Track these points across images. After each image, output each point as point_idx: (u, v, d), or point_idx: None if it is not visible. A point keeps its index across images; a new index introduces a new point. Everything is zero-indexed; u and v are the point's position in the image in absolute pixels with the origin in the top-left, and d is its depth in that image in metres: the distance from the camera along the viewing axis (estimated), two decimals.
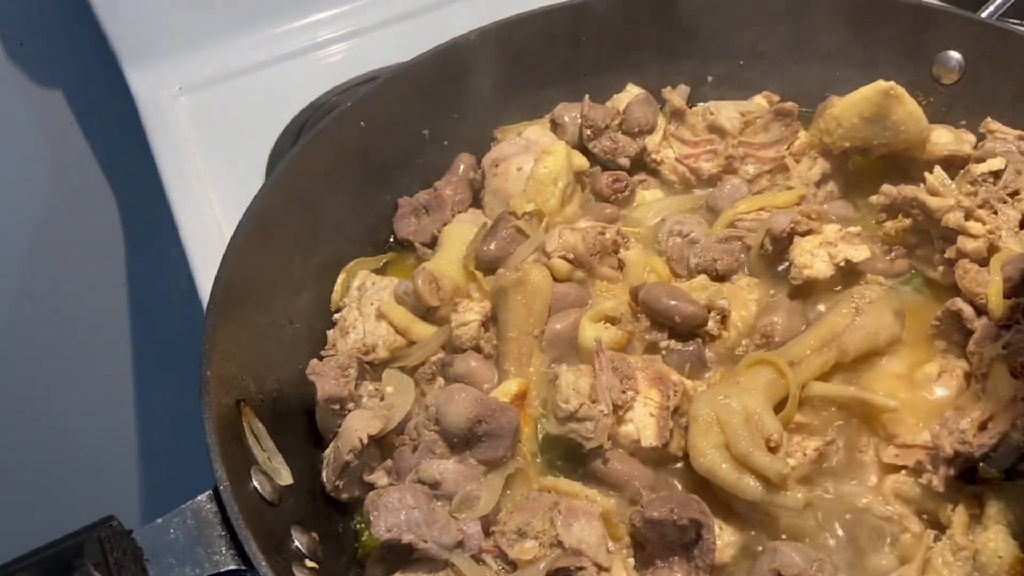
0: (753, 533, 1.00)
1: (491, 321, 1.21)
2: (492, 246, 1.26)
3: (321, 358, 1.19)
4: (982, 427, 0.94)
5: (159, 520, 0.89)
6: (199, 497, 0.91)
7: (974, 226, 1.14)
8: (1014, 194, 1.23)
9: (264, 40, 1.95)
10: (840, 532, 1.01)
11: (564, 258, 1.22)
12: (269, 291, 1.20)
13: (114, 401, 2.10)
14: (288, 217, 1.25)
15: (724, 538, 0.98)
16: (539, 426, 1.12)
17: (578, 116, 1.45)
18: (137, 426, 2.11)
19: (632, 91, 1.49)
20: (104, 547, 0.83)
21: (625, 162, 1.42)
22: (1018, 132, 1.27)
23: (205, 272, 1.50)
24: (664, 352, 1.16)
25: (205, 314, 1.07)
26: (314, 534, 1.00)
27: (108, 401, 2.09)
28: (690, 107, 1.46)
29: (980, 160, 1.27)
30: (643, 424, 1.08)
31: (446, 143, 1.49)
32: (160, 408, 1.97)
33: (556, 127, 1.46)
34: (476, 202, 1.42)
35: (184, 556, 0.86)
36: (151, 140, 1.79)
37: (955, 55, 1.40)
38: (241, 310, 1.12)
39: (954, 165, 1.31)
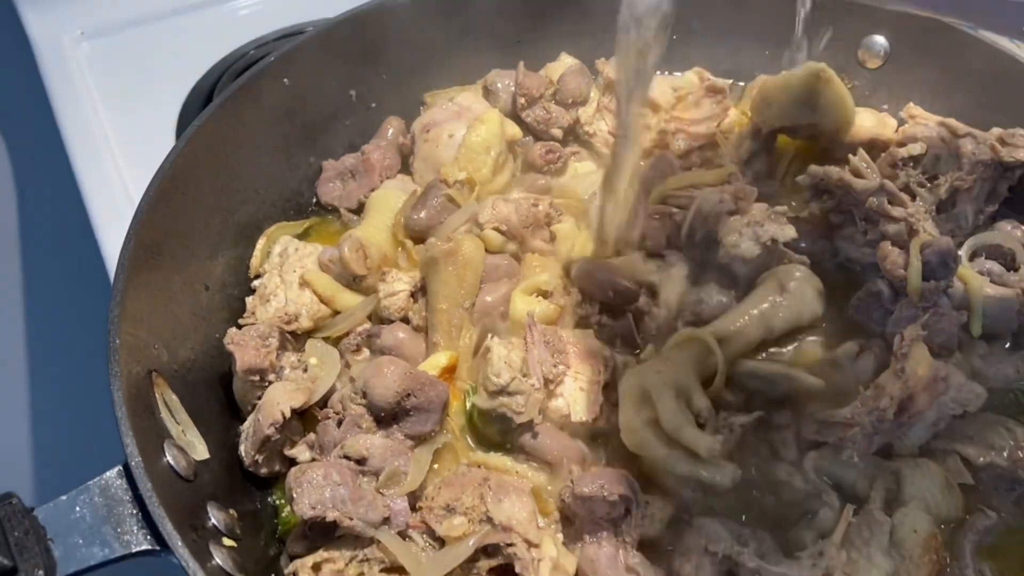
0: (681, 508, 1.00)
1: (420, 292, 1.18)
2: (423, 214, 1.22)
3: (239, 327, 1.14)
4: (902, 406, 0.97)
5: (63, 497, 0.83)
6: (107, 473, 0.85)
7: (895, 209, 1.17)
8: (932, 179, 1.27)
9: None
10: (763, 507, 1.02)
11: (497, 229, 1.20)
12: (183, 253, 1.13)
13: (7, 369, 1.96)
14: (205, 174, 1.18)
15: (653, 513, 0.98)
16: (468, 400, 1.09)
17: (511, 84, 1.41)
18: (34, 399, 1.97)
19: (566, 61, 1.47)
20: (3, 526, 0.77)
21: (558, 133, 1.40)
22: (938, 118, 1.31)
23: (108, 233, 1.41)
24: (595, 327, 1.16)
25: (114, 276, 0.99)
26: (231, 511, 0.96)
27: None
28: None
29: (901, 144, 1.30)
30: (574, 399, 1.07)
31: (373, 105, 1.43)
32: (60, 379, 1.85)
33: (488, 94, 1.43)
34: (405, 168, 1.38)
35: (92, 535, 0.81)
36: (49, 88, 1.66)
37: (881, 40, 1.43)
38: (153, 272, 1.05)
39: (876, 148, 1.34)
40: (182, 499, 0.88)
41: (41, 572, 0.76)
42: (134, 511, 0.83)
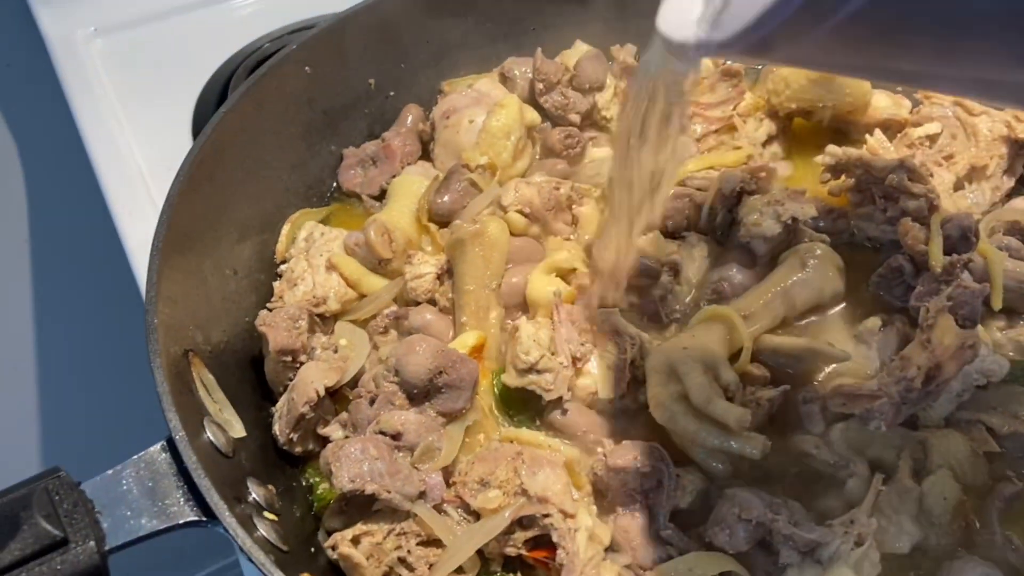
0: (711, 480, 1.01)
1: (446, 274, 1.19)
2: (446, 198, 1.24)
3: (269, 310, 1.15)
4: (929, 375, 0.98)
5: (109, 472, 0.84)
6: (151, 448, 0.86)
7: (915, 186, 1.18)
8: (948, 157, 1.29)
9: None
10: (792, 478, 1.03)
11: (520, 212, 1.21)
12: (212, 238, 1.15)
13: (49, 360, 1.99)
14: (231, 161, 1.19)
15: (684, 485, 0.99)
16: (496, 379, 1.11)
17: (528, 71, 1.43)
18: (75, 383, 2.00)
19: (581, 48, 1.48)
20: (52, 499, 0.78)
21: (575, 118, 1.41)
22: (953, 98, 1.33)
23: (130, 223, 1.43)
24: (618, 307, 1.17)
25: (149, 259, 1.01)
26: (270, 486, 0.97)
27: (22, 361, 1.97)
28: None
29: (917, 124, 1.32)
30: (601, 376, 1.08)
31: (392, 94, 1.45)
32: (98, 365, 1.87)
33: (506, 81, 1.44)
34: (425, 154, 1.39)
35: (139, 508, 0.82)
36: (64, 83, 1.67)
37: None
38: (184, 256, 1.07)
39: (891, 129, 1.36)
40: (224, 474, 0.90)
41: (92, 543, 0.77)
42: (180, 484, 0.84)
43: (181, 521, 0.82)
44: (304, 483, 1.06)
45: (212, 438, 0.92)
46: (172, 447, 0.86)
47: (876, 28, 0.55)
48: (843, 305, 1.20)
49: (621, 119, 0.89)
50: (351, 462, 0.93)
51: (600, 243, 1.08)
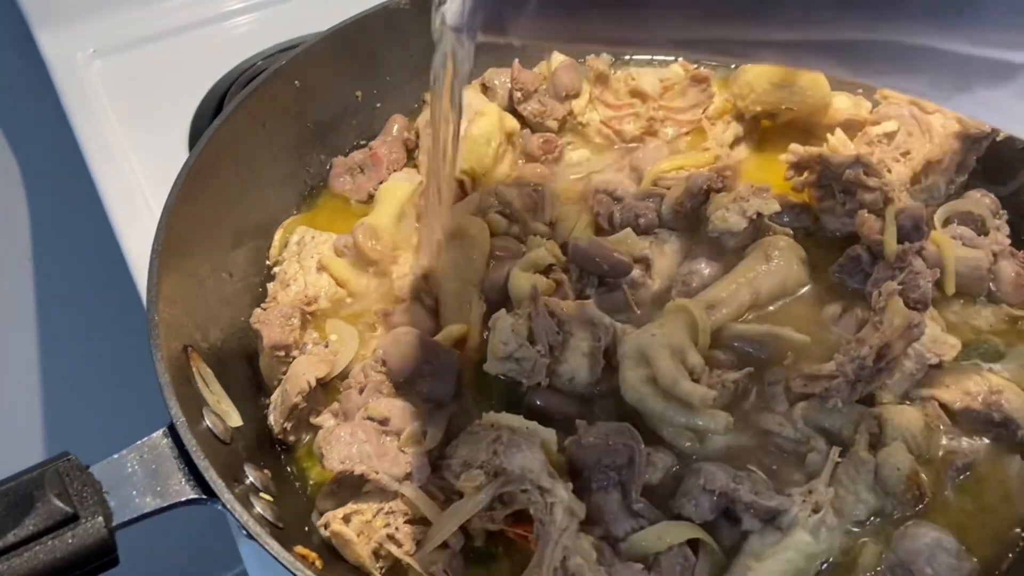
0: (680, 457, 1.08)
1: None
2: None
3: (263, 310, 1.21)
4: (880, 353, 1.05)
5: (115, 456, 0.90)
6: (154, 434, 0.93)
7: (871, 180, 1.25)
8: (905, 153, 1.36)
9: (181, 4, 1.93)
10: (756, 454, 1.10)
11: (501, 213, 1.28)
12: (209, 243, 1.21)
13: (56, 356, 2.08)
14: (225, 171, 1.26)
15: (655, 462, 1.05)
16: (478, 368, 1.17)
17: (508, 80, 1.50)
18: (80, 376, 2.09)
19: (558, 58, 1.56)
20: (63, 480, 0.84)
21: (553, 124, 1.48)
22: (909, 98, 1.40)
23: (130, 234, 1.49)
24: (594, 299, 1.24)
25: (149, 262, 1.07)
26: (266, 471, 1.03)
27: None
28: (612, 73, 1.54)
29: (876, 123, 1.39)
30: (577, 364, 1.15)
31: (378, 105, 1.52)
32: (103, 364, 1.96)
33: (487, 90, 1.51)
34: (410, 161, 1.46)
35: (144, 488, 0.88)
36: (66, 104, 1.74)
37: None
38: (182, 259, 1.13)
39: (852, 128, 1.43)
40: (222, 458, 0.96)
41: (100, 519, 0.83)
42: (181, 466, 0.90)
43: (183, 499, 0.89)
44: (298, 469, 1.12)
45: (211, 426, 0.99)
46: (173, 432, 0.92)
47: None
48: (808, 293, 1.27)
49: (431, 100, 1.00)
50: (341, 445, 0.99)
51: (420, 208, 1.21)
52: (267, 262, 1.33)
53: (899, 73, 0.66)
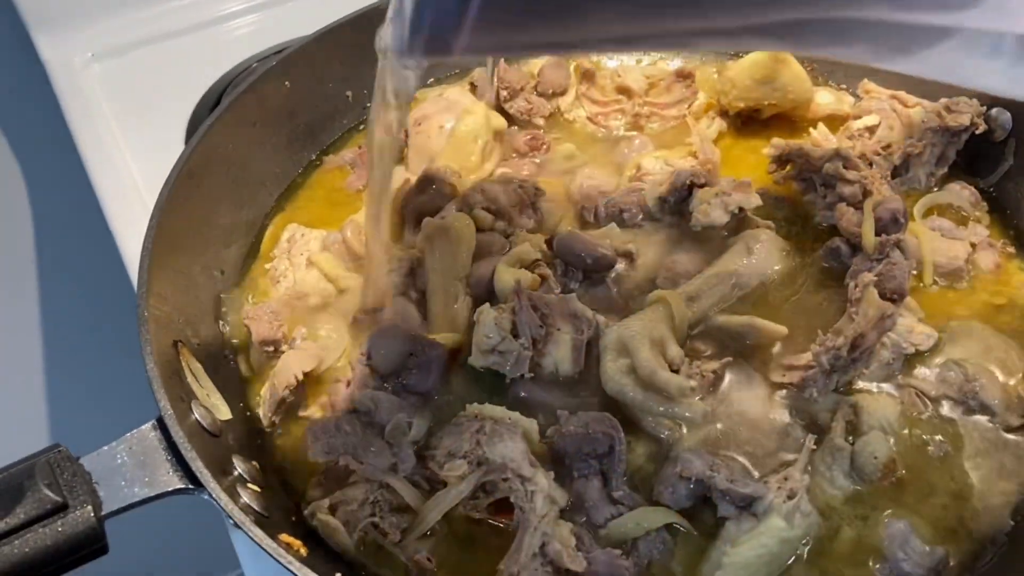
0: (660, 445, 1.10)
1: (418, 268, 1.28)
2: (420, 199, 1.33)
3: (254, 306, 1.24)
4: (854, 343, 1.07)
5: (105, 447, 0.93)
6: (143, 427, 0.96)
7: (850, 173, 1.27)
8: (886, 147, 1.37)
9: (177, 8, 1.95)
10: (734, 442, 1.12)
11: (487, 209, 1.30)
12: (201, 241, 1.24)
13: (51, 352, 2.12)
14: (217, 170, 1.29)
15: (635, 449, 1.08)
16: (463, 360, 1.19)
17: (495, 79, 1.52)
18: (71, 371, 2.13)
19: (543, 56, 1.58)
20: (54, 470, 0.87)
21: (540, 121, 1.51)
22: (890, 92, 1.42)
23: (125, 234, 1.51)
24: (578, 292, 1.26)
25: (140, 259, 1.10)
26: (254, 463, 1.06)
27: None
28: (599, 70, 1.56)
29: (857, 117, 1.41)
30: (560, 356, 1.17)
31: (367, 105, 1.54)
32: (92, 355, 2.00)
33: (474, 89, 1.54)
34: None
35: (132, 478, 0.91)
36: (64, 107, 1.77)
37: None
38: (174, 256, 1.16)
39: (835, 123, 1.45)
40: (210, 450, 0.98)
41: (89, 507, 0.86)
42: (169, 457, 0.93)
43: (170, 488, 0.91)
44: (286, 460, 1.15)
45: (199, 419, 1.01)
46: (162, 425, 0.95)
47: (508, 9, 0.66)
48: (789, 283, 1.29)
49: (372, 109, 1.04)
50: (327, 436, 1.02)
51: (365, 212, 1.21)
52: (258, 259, 1.35)
53: (836, 45, 0.68)
